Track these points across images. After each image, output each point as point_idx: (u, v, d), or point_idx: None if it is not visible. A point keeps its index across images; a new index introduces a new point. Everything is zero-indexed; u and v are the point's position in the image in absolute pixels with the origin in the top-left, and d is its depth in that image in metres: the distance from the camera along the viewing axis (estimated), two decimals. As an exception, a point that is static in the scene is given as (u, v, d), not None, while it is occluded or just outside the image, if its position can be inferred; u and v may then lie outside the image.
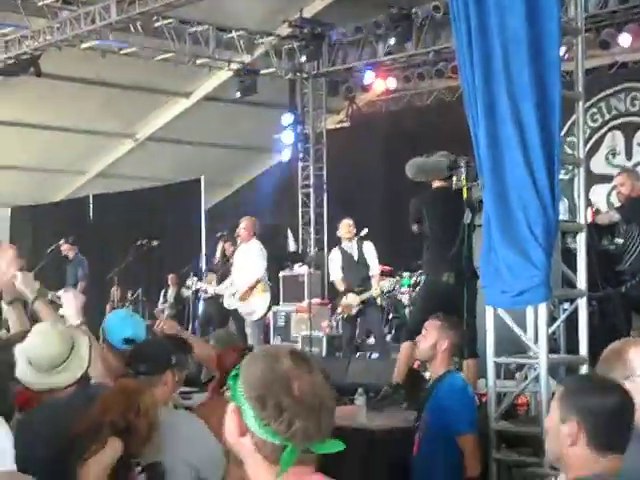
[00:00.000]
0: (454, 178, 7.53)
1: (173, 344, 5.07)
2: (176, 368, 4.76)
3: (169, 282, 14.85)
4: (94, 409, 4.08)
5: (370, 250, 11.82)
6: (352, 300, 11.59)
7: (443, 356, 6.19)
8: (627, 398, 3.10)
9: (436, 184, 8.72)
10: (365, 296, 11.55)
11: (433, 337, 6.21)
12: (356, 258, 11.81)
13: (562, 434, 3.05)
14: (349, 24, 15.61)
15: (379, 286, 11.67)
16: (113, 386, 4.33)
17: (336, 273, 11.99)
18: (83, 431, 4.02)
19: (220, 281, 13.11)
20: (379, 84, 16.30)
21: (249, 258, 12.33)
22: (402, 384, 8.18)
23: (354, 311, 11.64)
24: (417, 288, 12.05)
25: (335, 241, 12.60)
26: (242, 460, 2.30)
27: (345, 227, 11.95)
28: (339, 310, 11.94)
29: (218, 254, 13.49)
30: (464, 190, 7.33)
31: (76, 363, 4.43)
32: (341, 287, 11.86)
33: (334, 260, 12.06)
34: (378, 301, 12.23)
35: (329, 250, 15.96)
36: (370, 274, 11.75)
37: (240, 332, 12.09)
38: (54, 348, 4.40)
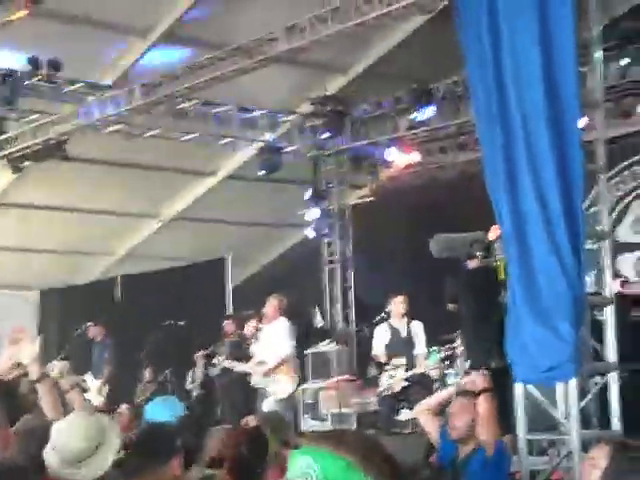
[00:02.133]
0: (478, 255, 7.51)
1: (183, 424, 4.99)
2: (184, 451, 4.67)
3: (196, 362, 14.81)
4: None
5: (419, 329, 11.90)
6: (400, 376, 11.64)
7: (476, 431, 6.12)
8: None
9: (471, 264, 8.71)
10: (410, 373, 11.62)
11: (469, 414, 6.14)
12: (404, 335, 11.90)
13: None
14: (370, 100, 15.74)
15: (424, 364, 11.72)
16: None
17: (379, 348, 12.02)
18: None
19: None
20: (402, 158, 16.35)
21: (276, 336, 12.30)
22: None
23: (398, 388, 11.67)
24: (448, 364, 12.02)
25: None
26: None
27: (397, 304, 12.02)
28: (383, 385, 11.94)
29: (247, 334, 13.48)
30: (500, 268, 7.30)
31: (102, 458, 4.39)
32: (383, 359, 11.87)
33: (380, 336, 12.11)
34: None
35: (357, 325, 15.95)
36: (415, 353, 11.80)
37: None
38: (79, 442, 4.36)
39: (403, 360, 11.91)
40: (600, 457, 3.82)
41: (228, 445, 5.29)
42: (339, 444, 2.23)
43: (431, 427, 6.68)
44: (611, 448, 3.06)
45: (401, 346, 11.97)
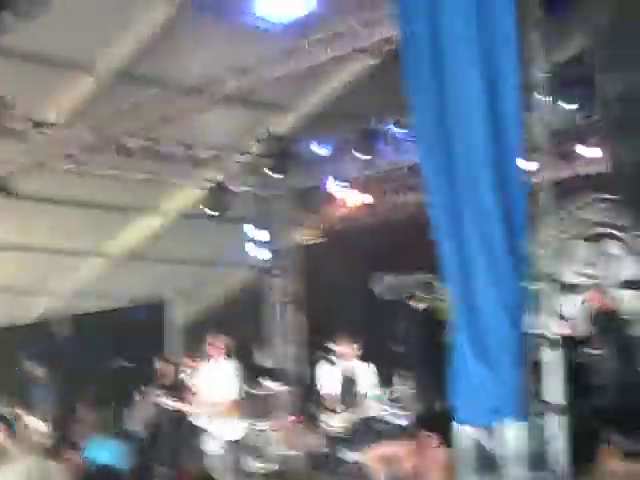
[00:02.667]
0: (422, 296, 7.55)
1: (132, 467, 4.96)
2: None
3: (140, 402, 14.62)
4: None
5: (368, 371, 11.85)
6: (347, 418, 11.62)
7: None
8: None
9: (418, 305, 8.76)
10: (354, 417, 11.59)
11: (417, 456, 6.12)
12: (352, 377, 11.88)
13: None
14: (321, 139, 15.79)
15: (371, 407, 11.70)
16: None
17: (328, 390, 11.94)
18: None
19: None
20: (352, 199, 16.41)
21: (224, 377, 12.17)
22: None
23: (343, 430, 11.67)
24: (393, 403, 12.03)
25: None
26: None
27: (347, 346, 11.98)
28: (330, 427, 11.91)
29: (189, 375, 13.34)
30: (443, 309, 7.35)
31: None
32: (332, 405, 11.80)
33: (329, 377, 12.05)
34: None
35: (304, 365, 15.89)
36: (363, 395, 11.77)
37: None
38: None
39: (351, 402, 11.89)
40: None
41: None
42: None
43: (379, 473, 6.65)
44: None
45: (350, 388, 11.95)
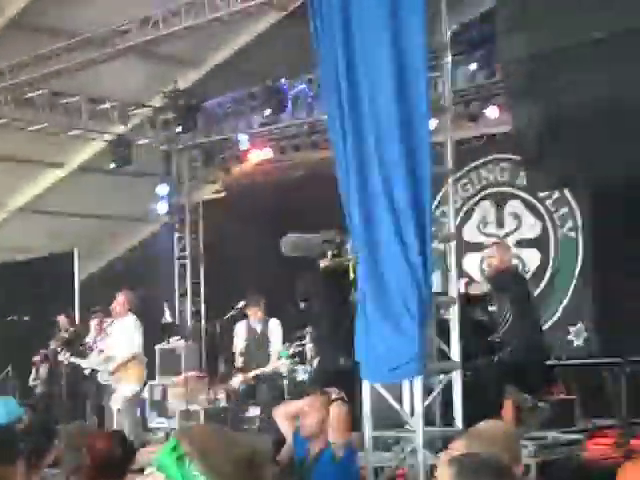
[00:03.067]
0: (329, 254, 7.58)
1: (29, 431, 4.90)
2: (30, 457, 4.59)
3: (41, 358, 14.44)
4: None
5: (275, 328, 11.88)
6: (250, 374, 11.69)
7: (326, 432, 6.17)
8: None
9: (323, 263, 8.77)
10: (259, 371, 11.65)
11: (319, 413, 6.18)
12: (260, 334, 11.92)
13: None
14: (224, 95, 15.69)
15: (275, 363, 11.77)
16: None
17: (239, 347, 12.06)
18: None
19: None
20: (255, 155, 16.37)
21: (125, 333, 12.13)
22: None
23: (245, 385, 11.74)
24: (298, 361, 12.12)
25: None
26: None
27: (254, 302, 12.01)
28: (234, 383, 11.94)
29: (92, 330, 13.22)
30: (350, 268, 7.37)
31: None
32: (238, 363, 11.99)
33: (239, 334, 12.04)
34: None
35: (207, 322, 15.87)
36: (270, 351, 11.81)
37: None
38: None
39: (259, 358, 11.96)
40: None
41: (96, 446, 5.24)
42: (181, 437, 2.27)
43: (287, 428, 6.70)
44: (452, 472, 3.09)
45: (257, 345, 12.01)
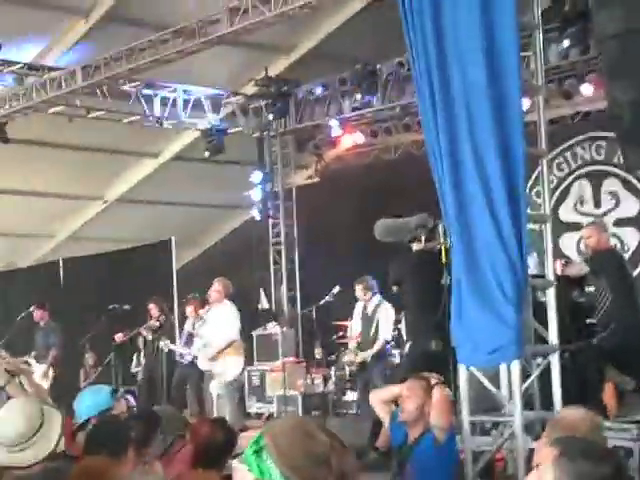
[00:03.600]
0: (422, 238, 7.54)
1: (135, 419, 5.00)
2: (138, 444, 4.69)
3: (140, 346, 14.70)
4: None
5: (385, 312, 11.87)
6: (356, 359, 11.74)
7: (427, 416, 6.16)
8: (621, 467, 3.09)
9: (415, 246, 8.74)
10: (363, 355, 11.66)
11: (420, 398, 6.18)
12: (369, 316, 11.93)
13: None
14: (315, 81, 15.72)
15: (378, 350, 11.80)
16: (78, 466, 4.23)
17: (355, 327, 12.22)
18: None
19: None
20: (346, 139, 16.38)
21: (222, 319, 12.28)
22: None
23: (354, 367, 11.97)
24: (392, 345, 12.12)
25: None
26: None
27: (358, 289, 12.05)
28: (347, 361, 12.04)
29: (189, 317, 13.40)
30: (443, 251, 7.31)
31: (42, 443, 4.37)
32: (352, 343, 12.08)
33: (355, 315, 12.24)
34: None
35: (302, 307, 15.95)
36: (378, 335, 11.83)
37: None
38: (16, 426, 4.35)
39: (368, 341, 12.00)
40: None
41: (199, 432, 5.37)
42: (264, 429, 2.30)
43: (384, 414, 6.71)
44: (556, 453, 3.06)
45: (368, 328, 12.04)
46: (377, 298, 12.01)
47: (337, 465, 2.22)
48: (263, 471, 2.21)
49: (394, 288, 9.46)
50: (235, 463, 2.32)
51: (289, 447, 2.22)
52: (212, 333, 12.36)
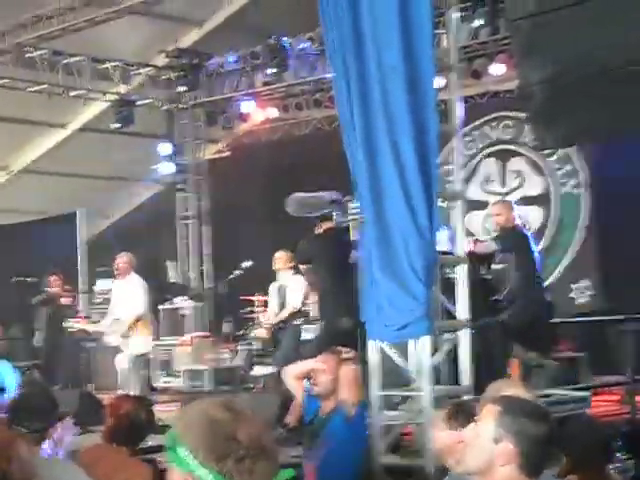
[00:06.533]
0: (334, 215, 7.54)
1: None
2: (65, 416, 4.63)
3: (42, 321, 14.44)
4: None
5: (296, 283, 11.80)
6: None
7: (337, 391, 6.19)
8: (555, 427, 3.23)
9: (325, 225, 8.74)
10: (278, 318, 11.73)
11: (333, 371, 6.19)
12: (282, 289, 11.86)
13: (494, 453, 3.12)
14: (227, 54, 15.61)
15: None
16: None
17: (270, 305, 12.10)
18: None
19: None
20: (258, 114, 16.32)
21: (131, 293, 12.11)
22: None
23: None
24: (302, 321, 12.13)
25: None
26: None
27: (276, 259, 11.91)
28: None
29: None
30: (352, 228, 7.31)
31: None
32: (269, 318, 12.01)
33: (272, 294, 12.11)
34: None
35: (212, 282, 15.87)
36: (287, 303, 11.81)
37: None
38: None
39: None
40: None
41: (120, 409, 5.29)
42: (174, 420, 2.38)
43: (296, 389, 6.71)
44: (498, 409, 3.18)
45: (279, 301, 11.99)
46: (291, 271, 11.94)
47: (246, 437, 2.28)
48: (182, 463, 2.29)
49: (302, 267, 9.45)
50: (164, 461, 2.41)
51: (197, 435, 2.29)
52: (119, 306, 12.19)
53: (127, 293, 12.13)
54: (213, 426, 2.29)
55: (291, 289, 11.89)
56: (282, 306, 11.96)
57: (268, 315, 12.24)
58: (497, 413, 3.17)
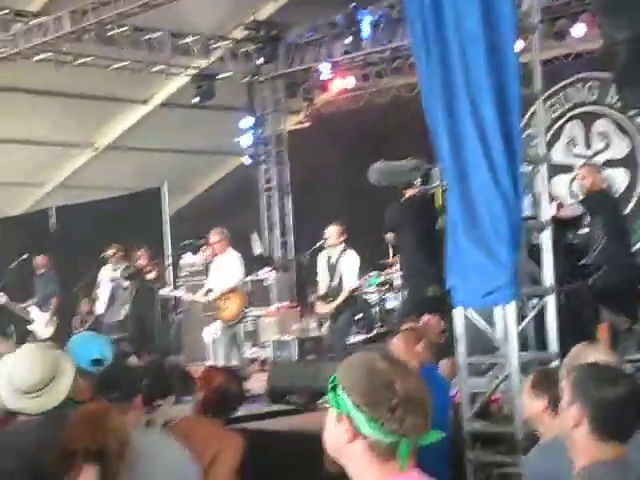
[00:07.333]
0: (417, 182, 7.50)
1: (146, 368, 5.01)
2: (147, 390, 4.70)
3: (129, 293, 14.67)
4: (63, 437, 3.99)
5: (351, 260, 11.64)
6: (323, 308, 11.61)
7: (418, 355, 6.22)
8: (637, 389, 3.24)
9: (408, 192, 8.70)
10: (335, 304, 11.56)
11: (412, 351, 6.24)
12: (334, 264, 11.69)
13: (567, 415, 3.22)
14: (304, 24, 15.58)
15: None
16: (78, 412, 4.22)
17: (320, 276, 11.98)
18: (55, 460, 3.94)
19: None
20: (337, 83, 16.27)
21: (230, 267, 12.15)
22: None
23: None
24: (386, 289, 12.07)
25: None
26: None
27: (331, 233, 11.70)
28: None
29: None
30: (437, 195, 7.27)
31: (55, 391, 4.35)
32: (321, 291, 11.84)
33: (320, 264, 11.98)
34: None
35: (296, 252, 15.95)
36: (343, 283, 11.65)
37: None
38: (36, 373, 4.32)
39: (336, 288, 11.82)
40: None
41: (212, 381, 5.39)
42: (337, 369, 2.54)
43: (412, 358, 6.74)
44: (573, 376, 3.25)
45: (334, 275, 11.86)
46: (342, 245, 11.69)
47: (401, 387, 2.41)
48: (339, 404, 2.44)
49: (388, 235, 9.41)
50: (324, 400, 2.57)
51: (355, 380, 2.44)
52: (218, 280, 12.25)
53: (227, 267, 12.16)
54: (371, 373, 2.43)
55: (346, 268, 11.65)
56: (332, 282, 11.81)
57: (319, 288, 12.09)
58: (570, 378, 3.26)
